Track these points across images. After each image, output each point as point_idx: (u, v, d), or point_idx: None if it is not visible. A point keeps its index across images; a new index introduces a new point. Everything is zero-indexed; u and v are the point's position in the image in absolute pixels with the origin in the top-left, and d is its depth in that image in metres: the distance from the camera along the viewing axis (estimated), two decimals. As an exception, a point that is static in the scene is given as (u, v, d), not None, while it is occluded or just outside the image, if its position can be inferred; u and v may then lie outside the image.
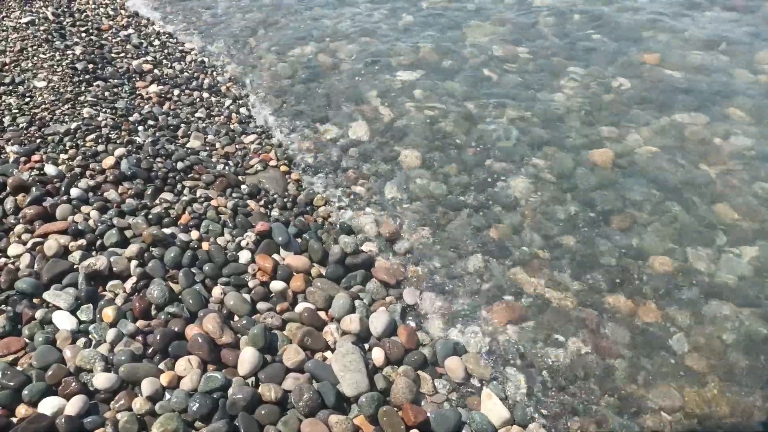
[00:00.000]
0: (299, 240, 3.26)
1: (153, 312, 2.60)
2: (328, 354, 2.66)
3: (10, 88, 3.78)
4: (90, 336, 2.44)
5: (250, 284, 2.90)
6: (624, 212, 3.54)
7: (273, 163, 3.82)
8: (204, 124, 4.13)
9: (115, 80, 4.29)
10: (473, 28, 5.73)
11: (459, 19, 5.91)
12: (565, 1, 6.16)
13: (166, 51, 5.09)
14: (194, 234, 3.05)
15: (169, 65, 4.85)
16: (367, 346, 2.74)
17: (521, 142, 4.14)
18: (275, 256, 3.09)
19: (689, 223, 3.46)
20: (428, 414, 2.42)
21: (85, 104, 3.79)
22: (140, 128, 3.78)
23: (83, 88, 3.98)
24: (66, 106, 3.71)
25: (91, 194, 3.10)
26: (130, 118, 3.84)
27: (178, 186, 3.37)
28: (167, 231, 2.98)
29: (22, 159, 3.19)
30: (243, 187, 3.54)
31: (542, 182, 3.77)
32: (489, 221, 3.52)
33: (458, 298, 3.05)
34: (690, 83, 4.69)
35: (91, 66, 4.28)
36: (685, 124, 4.22)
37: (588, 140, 4.10)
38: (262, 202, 3.46)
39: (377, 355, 2.66)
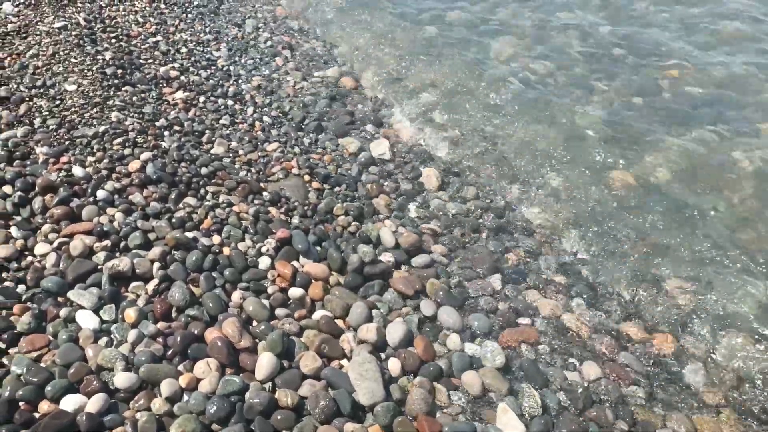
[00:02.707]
0: (318, 248, 3.28)
1: (174, 314, 2.64)
2: (344, 362, 2.67)
3: (42, 90, 3.86)
4: (112, 336, 2.48)
5: (269, 290, 2.93)
6: (642, 238, 3.52)
7: (295, 171, 3.86)
8: (228, 131, 4.19)
9: (143, 86, 4.37)
10: (495, 42, 5.75)
11: (481, 34, 5.93)
12: (587, 17, 6.16)
13: (192, 59, 5.17)
14: (216, 239, 3.09)
15: (196, 72, 4.93)
16: (383, 355, 2.75)
17: (541, 162, 4.14)
18: (294, 263, 3.12)
19: (708, 250, 3.43)
20: (443, 426, 2.42)
21: (114, 108, 3.86)
22: (166, 133, 3.84)
23: (112, 93, 4.06)
24: (95, 110, 3.78)
25: (116, 196, 3.15)
26: (157, 123, 3.91)
27: (202, 191, 3.42)
28: (190, 235, 3.02)
29: (51, 160, 3.26)
30: (264, 194, 3.58)
31: (561, 205, 3.76)
32: (506, 244, 3.53)
33: (475, 314, 3.05)
34: (714, 100, 4.65)
35: (120, 71, 4.36)
36: (708, 143, 4.18)
37: (609, 160, 4.09)
38: (282, 210, 3.49)
39: (393, 365, 2.67)
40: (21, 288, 2.55)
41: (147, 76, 4.55)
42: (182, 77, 4.74)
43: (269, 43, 5.88)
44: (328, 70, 5.49)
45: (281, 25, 6.40)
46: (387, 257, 3.33)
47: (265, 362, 2.48)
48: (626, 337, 2.96)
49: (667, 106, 4.64)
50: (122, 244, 2.88)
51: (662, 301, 3.15)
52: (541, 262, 3.40)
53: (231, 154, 3.92)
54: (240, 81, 5.05)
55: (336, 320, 2.87)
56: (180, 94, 4.47)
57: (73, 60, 4.30)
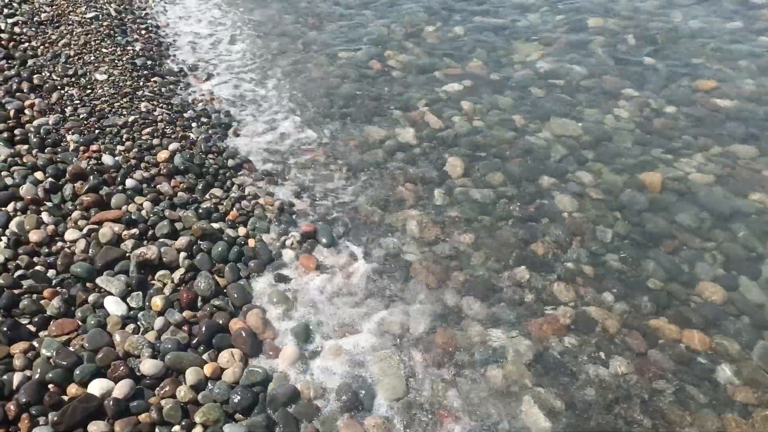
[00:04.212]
0: (342, 239, 3.29)
1: (199, 303, 2.67)
2: (367, 354, 2.67)
3: (73, 79, 3.92)
4: (138, 323, 2.51)
5: (293, 282, 2.94)
6: (672, 236, 3.47)
7: (322, 160, 3.86)
8: (254, 121, 4.22)
9: (172, 77, 4.41)
10: (523, 44, 5.70)
11: (509, 35, 5.88)
12: (618, 23, 6.07)
13: (218, 50, 5.21)
14: (241, 230, 3.11)
15: (224, 62, 4.97)
16: (405, 348, 2.74)
17: (569, 158, 4.10)
18: (318, 255, 3.13)
19: (739, 253, 3.37)
20: (466, 419, 2.41)
21: (143, 99, 3.91)
22: (194, 125, 3.87)
23: (141, 83, 4.11)
24: (124, 100, 3.83)
25: (145, 185, 3.19)
26: (185, 115, 3.95)
27: (228, 183, 3.45)
28: (215, 225, 3.05)
29: (82, 148, 3.30)
30: (289, 185, 3.59)
31: (590, 200, 3.72)
32: (534, 234, 3.48)
33: (500, 306, 3.02)
34: (744, 113, 4.56)
35: (149, 62, 4.42)
36: (738, 154, 4.12)
37: (638, 162, 4.04)
38: (308, 201, 3.50)
39: (415, 359, 2.67)
40: (51, 272, 2.59)
41: (175, 68, 4.59)
42: (210, 68, 4.77)
43: (296, 24, 5.89)
44: (357, 51, 5.45)
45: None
46: (411, 248, 3.32)
47: (288, 354, 2.49)
48: (656, 332, 2.91)
49: (700, 116, 4.56)
50: (150, 232, 2.92)
51: (694, 298, 3.10)
52: (570, 254, 3.35)
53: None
54: (266, 66, 5.05)
55: (359, 312, 2.87)
56: (207, 86, 4.51)
57: (104, 50, 4.36)
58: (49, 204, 2.91)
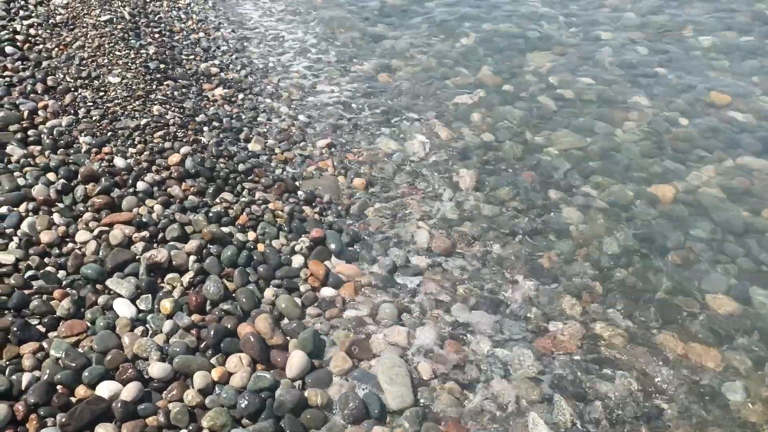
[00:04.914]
0: (351, 248, 3.29)
1: (208, 307, 2.67)
2: (374, 363, 2.66)
3: (87, 81, 3.94)
4: (147, 325, 2.51)
5: (302, 288, 2.94)
6: (682, 250, 3.45)
7: (330, 170, 3.87)
8: (265, 129, 4.23)
9: (184, 81, 4.44)
10: (534, 54, 5.71)
11: (520, 45, 5.89)
12: (630, 36, 6.07)
13: (233, 56, 5.24)
14: (251, 235, 3.12)
15: (235, 70, 4.99)
16: (413, 359, 2.73)
17: (578, 170, 4.09)
18: (327, 262, 3.13)
19: (750, 268, 3.35)
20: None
21: (155, 102, 3.93)
22: (205, 129, 3.89)
23: (154, 87, 4.13)
24: (137, 103, 3.85)
25: (156, 188, 3.20)
26: (197, 119, 3.96)
27: (238, 187, 3.45)
28: (226, 230, 3.05)
29: (94, 150, 3.32)
30: (299, 192, 3.60)
31: (598, 213, 3.71)
32: (541, 248, 3.48)
33: (508, 320, 3.01)
34: (758, 127, 4.54)
35: (162, 66, 4.44)
36: (751, 169, 4.10)
37: (648, 174, 4.03)
38: (317, 209, 3.51)
39: (423, 370, 2.66)
40: (62, 273, 2.60)
41: (188, 72, 4.62)
42: (222, 74, 4.80)
43: (306, 38, 5.92)
44: (366, 64, 5.48)
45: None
46: (419, 260, 3.32)
47: (296, 360, 2.49)
48: (663, 349, 2.90)
49: (713, 128, 4.54)
50: (160, 235, 2.92)
51: (703, 314, 3.07)
52: (577, 268, 3.34)
53: (267, 152, 3.95)
54: (278, 79, 5.09)
55: (367, 321, 2.86)
56: (219, 91, 4.53)
57: (117, 53, 4.38)
58: (60, 205, 2.92)
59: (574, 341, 2.92)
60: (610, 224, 3.63)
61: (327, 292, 2.95)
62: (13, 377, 2.12)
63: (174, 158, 3.41)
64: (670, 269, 3.32)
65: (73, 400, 2.15)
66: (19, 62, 3.86)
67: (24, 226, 2.70)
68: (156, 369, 2.29)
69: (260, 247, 3.08)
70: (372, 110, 4.77)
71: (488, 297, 3.15)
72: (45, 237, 2.69)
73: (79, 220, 2.89)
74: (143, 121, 3.64)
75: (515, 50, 5.78)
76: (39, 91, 3.65)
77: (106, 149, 3.35)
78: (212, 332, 2.50)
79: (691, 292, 3.20)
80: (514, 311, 3.09)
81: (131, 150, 3.41)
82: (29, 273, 2.51)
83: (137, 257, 2.77)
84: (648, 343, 2.92)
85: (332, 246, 3.20)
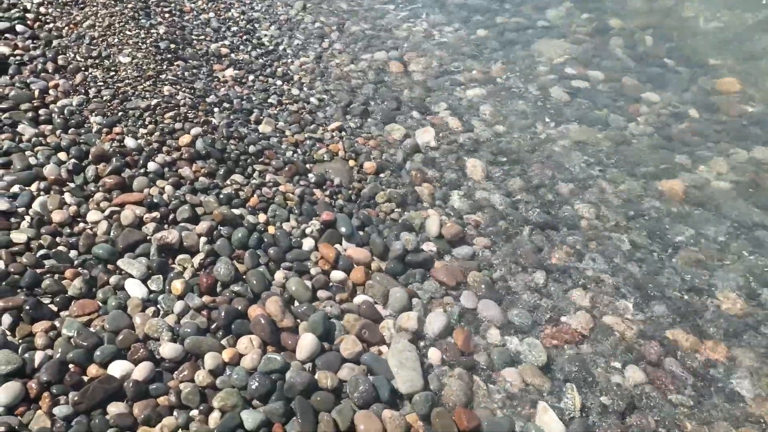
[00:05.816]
0: (361, 233, 3.27)
1: (218, 289, 2.67)
2: (383, 348, 2.66)
3: (97, 61, 3.92)
4: (158, 306, 2.51)
5: (312, 271, 2.94)
6: (693, 245, 3.43)
7: (341, 154, 3.85)
8: (275, 111, 4.20)
9: (195, 61, 4.40)
10: (545, 45, 5.64)
11: (530, 36, 5.82)
12: (639, 24, 5.98)
13: (244, 37, 5.20)
14: (261, 217, 3.11)
15: (246, 51, 4.95)
16: (422, 344, 2.73)
17: (588, 164, 4.06)
18: (337, 246, 3.12)
19: (762, 264, 3.32)
20: (481, 420, 2.40)
21: (166, 82, 3.90)
22: (216, 110, 3.87)
23: (165, 67, 4.10)
24: (147, 83, 3.83)
25: (166, 169, 3.19)
26: (207, 100, 3.94)
27: (249, 169, 3.44)
28: (236, 211, 3.04)
29: (105, 130, 3.30)
30: (310, 175, 3.58)
31: (608, 207, 3.69)
32: (552, 240, 3.46)
33: (517, 310, 3.00)
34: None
35: (173, 46, 4.40)
36: (762, 161, 4.05)
37: (658, 169, 4.00)
38: (327, 192, 3.49)
39: (433, 355, 2.66)
40: (73, 253, 2.60)
41: (198, 52, 4.59)
42: (232, 55, 4.76)
43: (317, 24, 5.87)
44: (377, 53, 5.44)
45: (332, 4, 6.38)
46: (429, 246, 3.31)
47: (306, 343, 2.48)
48: (673, 342, 2.88)
49: (723, 120, 4.49)
50: (171, 216, 2.92)
51: (713, 309, 3.06)
52: (588, 261, 3.32)
53: (278, 134, 3.93)
54: (288, 61, 5.05)
55: (376, 306, 2.86)
56: (230, 72, 4.50)
57: (127, 32, 4.35)
58: (72, 185, 2.91)
59: (584, 332, 2.91)
60: (621, 219, 3.60)
61: (337, 275, 2.94)
62: (26, 355, 2.12)
63: (184, 139, 3.40)
64: (679, 265, 3.30)
65: (86, 378, 2.16)
66: (30, 41, 3.84)
67: (36, 206, 2.70)
68: (167, 349, 2.29)
69: (271, 229, 3.07)
70: (383, 98, 4.73)
71: (498, 286, 3.14)
72: (56, 216, 2.69)
73: (91, 200, 2.88)
74: (154, 102, 3.62)
75: (526, 41, 5.71)
76: (50, 70, 3.63)
77: (116, 129, 3.33)
78: (223, 313, 2.50)
79: (701, 287, 3.18)
80: (524, 301, 3.08)
81: (142, 130, 3.40)
82: (41, 252, 2.52)
83: (148, 238, 2.77)
84: (658, 337, 2.91)
85: (343, 229, 3.19)
